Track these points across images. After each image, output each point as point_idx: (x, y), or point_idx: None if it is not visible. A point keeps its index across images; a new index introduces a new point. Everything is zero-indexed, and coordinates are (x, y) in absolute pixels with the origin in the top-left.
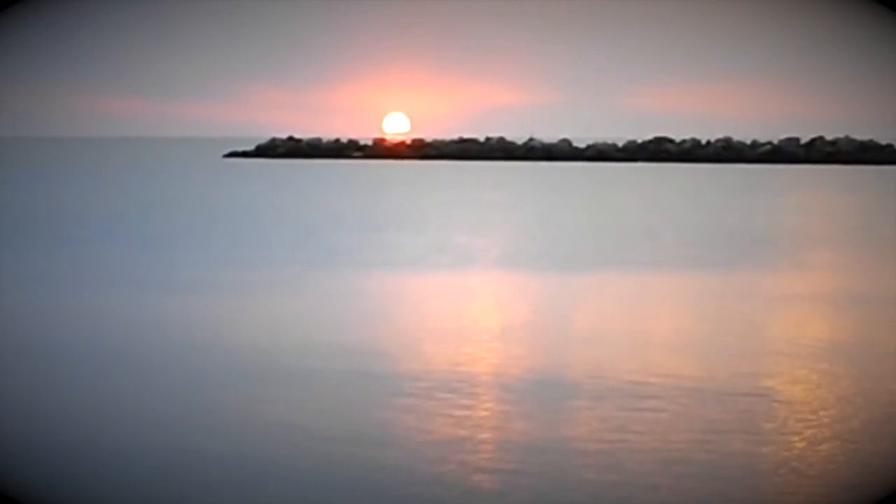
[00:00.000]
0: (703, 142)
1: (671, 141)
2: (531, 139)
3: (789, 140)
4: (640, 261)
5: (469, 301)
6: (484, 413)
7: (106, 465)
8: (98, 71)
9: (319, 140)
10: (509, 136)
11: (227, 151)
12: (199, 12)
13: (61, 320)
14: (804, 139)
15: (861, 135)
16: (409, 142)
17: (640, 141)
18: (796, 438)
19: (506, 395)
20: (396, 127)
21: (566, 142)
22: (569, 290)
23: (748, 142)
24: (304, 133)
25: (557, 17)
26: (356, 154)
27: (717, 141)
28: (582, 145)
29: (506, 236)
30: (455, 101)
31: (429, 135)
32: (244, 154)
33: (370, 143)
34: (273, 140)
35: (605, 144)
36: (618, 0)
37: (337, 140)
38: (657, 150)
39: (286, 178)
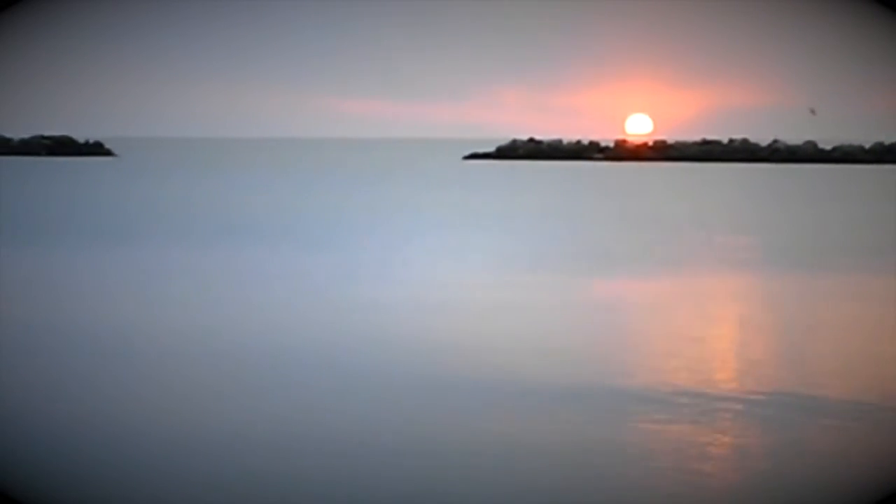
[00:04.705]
0: None
1: None
2: (775, 141)
3: None
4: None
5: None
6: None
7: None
8: (339, 72)
9: (560, 141)
10: (753, 138)
11: (466, 153)
12: (439, 14)
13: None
14: None
15: None
16: (650, 143)
17: (887, 143)
18: None
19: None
20: (639, 128)
21: (811, 143)
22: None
23: None
24: (544, 134)
25: (803, 19)
26: (597, 156)
27: None
28: (828, 147)
29: (761, 237)
30: (698, 102)
31: (671, 136)
32: (484, 156)
33: (611, 144)
34: (513, 141)
35: (852, 146)
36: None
37: (578, 141)
38: None
39: (528, 180)
